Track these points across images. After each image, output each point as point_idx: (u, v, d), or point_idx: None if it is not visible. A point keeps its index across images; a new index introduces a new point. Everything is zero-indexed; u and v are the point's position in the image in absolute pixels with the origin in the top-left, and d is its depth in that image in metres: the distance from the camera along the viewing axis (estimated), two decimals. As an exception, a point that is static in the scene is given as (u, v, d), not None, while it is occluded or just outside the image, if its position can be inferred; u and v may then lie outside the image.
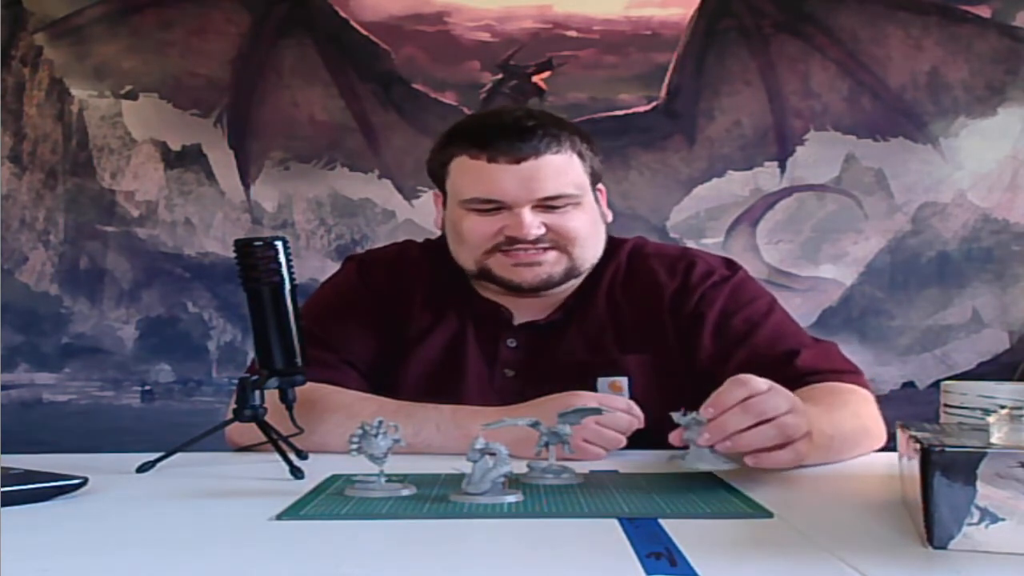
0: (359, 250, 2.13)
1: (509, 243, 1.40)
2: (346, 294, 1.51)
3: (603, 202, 1.50)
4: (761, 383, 0.99)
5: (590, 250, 1.44)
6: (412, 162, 2.73)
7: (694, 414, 0.97)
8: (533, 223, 1.38)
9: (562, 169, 1.39)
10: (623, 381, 1.38)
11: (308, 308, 1.40)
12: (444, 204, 1.48)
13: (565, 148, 1.39)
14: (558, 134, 1.39)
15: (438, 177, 1.47)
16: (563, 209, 1.40)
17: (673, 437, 0.99)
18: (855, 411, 1.25)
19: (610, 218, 1.50)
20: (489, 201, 1.39)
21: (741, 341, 1.38)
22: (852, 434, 1.21)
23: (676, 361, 1.41)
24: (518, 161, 1.36)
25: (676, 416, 0.98)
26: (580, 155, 1.42)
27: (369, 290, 1.50)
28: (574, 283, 1.47)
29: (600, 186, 1.49)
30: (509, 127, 1.38)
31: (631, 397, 1.32)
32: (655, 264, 1.48)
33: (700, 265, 1.46)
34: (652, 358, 1.41)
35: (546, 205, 1.39)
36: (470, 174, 1.40)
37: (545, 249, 1.40)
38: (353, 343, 1.44)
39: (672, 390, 1.36)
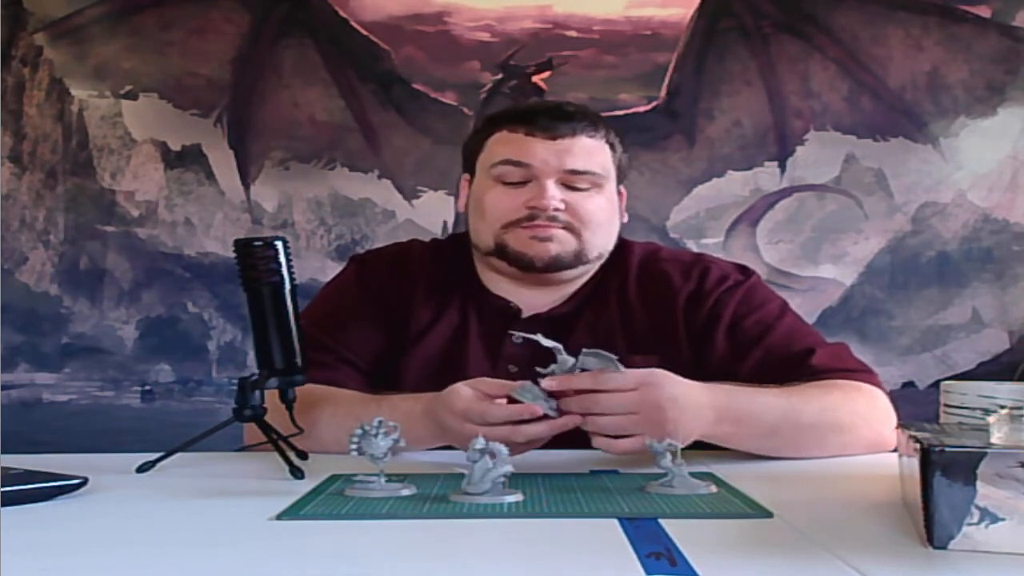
0: (359, 250, 2.13)
1: (529, 217, 1.42)
2: (346, 293, 1.52)
3: (623, 203, 1.53)
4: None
5: (600, 237, 1.46)
6: (412, 162, 2.73)
7: (669, 441, 0.97)
8: (555, 195, 1.41)
9: (593, 151, 1.45)
10: None
11: (309, 309, 1.41)
12: (471, 185, 1.51)
13: (600, 135, 1.46)
14: (596, 121, 1.47)
15: (472, 154, 1.50)
16: (586, 191, 1.43)
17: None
18: (833, 404, 1.25)
19: (626, 219, 1.53)
20: (519, 165, 1.42)
21: (755, 342, 1.39)
22: (812, 426, 1.22)
23: (685, 364, 1.41)
24: (554, 138, 1.42)
25: (649, 442, 0.98)
26: (611, 146, 1.48)
27: (368, 288, 1.50)
28: (582, 271, 1.47)
29: (622, 187, 1.52)
30: (551, 109, 1.47)
31: None
32: (669, 268, 1.49)
33: (714, 270, 1.48)
34: (660, 360, 1.41)
35: (571, 184, 1.43)
36: (507, 144, 1.45)
37: (559, 227, 1.43)
38: (353, 342, 1.45)
39: None
